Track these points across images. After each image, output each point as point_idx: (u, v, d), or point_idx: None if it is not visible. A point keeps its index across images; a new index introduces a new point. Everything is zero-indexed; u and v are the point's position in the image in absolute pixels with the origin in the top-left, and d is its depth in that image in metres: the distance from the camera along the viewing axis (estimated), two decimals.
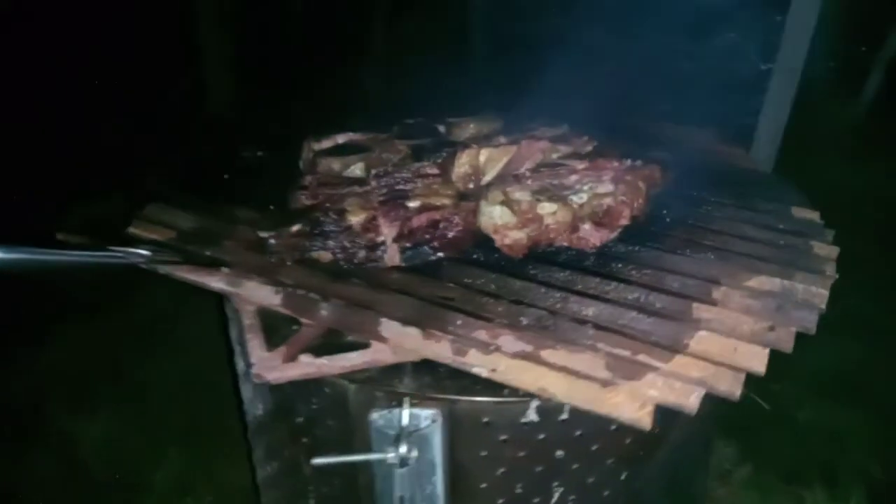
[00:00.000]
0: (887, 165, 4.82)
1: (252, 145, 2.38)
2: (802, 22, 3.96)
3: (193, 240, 1.87)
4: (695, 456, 2.20)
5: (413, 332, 1.45)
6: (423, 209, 1.72)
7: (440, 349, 1.41)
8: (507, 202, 1.68)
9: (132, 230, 1.93)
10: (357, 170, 1.99)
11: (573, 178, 1.84)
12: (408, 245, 1.67)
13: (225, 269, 1.70)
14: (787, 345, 1.38)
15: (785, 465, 3.02)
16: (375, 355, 1.45)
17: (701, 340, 1.39)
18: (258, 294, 1.62)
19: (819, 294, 1.53)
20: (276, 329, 1.57)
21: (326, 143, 2.08)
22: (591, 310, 1.50)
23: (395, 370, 1.46)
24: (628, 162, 1.89)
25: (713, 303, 1.51)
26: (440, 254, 1.69)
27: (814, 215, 1.88)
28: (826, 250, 1.72)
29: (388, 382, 1.48)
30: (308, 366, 1.44)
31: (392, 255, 1.66)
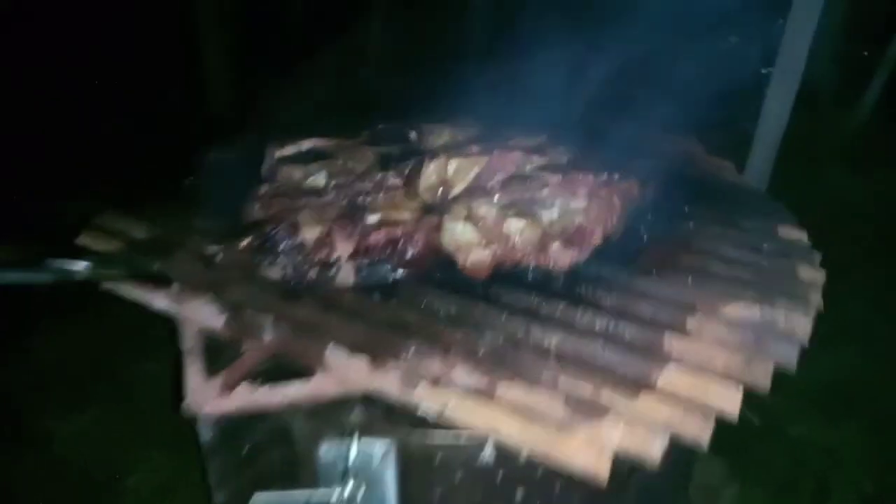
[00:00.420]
0: (889, 174, 4.70)
1: (224, 146, 2.27)
2: (803, 25, 3.85)
3: (143, 251, 1.77)
4: (675, 480, 2.09)
5: (360, 361, 1.35)
6: (382, 224, 1.61)
7: (387, 382, 1.30)
8: (471, 218, 1.58)
9: (81, 240, 1.83)
10: (320, 179, 1.88)
11: (545, 192, 1.73)
12: (364, 263, 1.56)
13: (172, 286, 1.60)
14: (763, 382, 1.28)
15: (776, 481, 2.91)
16: (318, 387, 1.35)
17: (670, 377, 1.29)
18: (200, 314, 1.52)
19: (801, 325, 1.42)
20: (222, 351, 1.47)
21: (290, 149, 1.97)
22: (554, 339, 1.39)
23: (344, 399, 1.35)
24: (604, 176, 1.78)
25: (686, 333, 1.40)
26: (399, 273, 1.58)
27: (801, 235, 1.77)
28: (812, 274, 1.61)
29: (336, 413, 1.39)
30: (245, 398, 1.34)
31: (346, 274, 1.55)
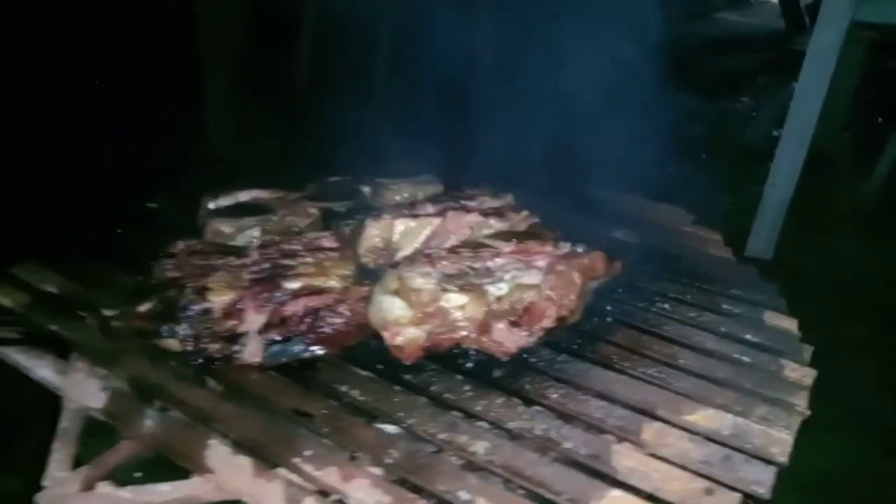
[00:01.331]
0: None
1: (165, 194, 2.10)
2: (813, 87, 3.69)
3: (48, 309, 1.57)
4: None
5: (244, 463, 1.12)
6: (302, 292, 1.41)
7: (269, 493, 1.07)
8: (403, 291, 1.36)
9: None
10: (253, 235, 1.69)
11: (499, 261, 1.52)
12: (276, 338, 1.35)
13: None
14: None
15: None
16: (192, 491, 1.13)
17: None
18: (81, 391, 1.31)
19: (781, 441, 1.18)
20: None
21: (225, 201, 1.79)
22: (482, 445, 1.17)
23: None
24: (566, 247, 1.57)
25: (640, 445, 1.17)
26: (316, 351, 1.37)
27: (791, 324, 1.54)
28: (800, 373, 1.38)
29: None
30: (104, 500, 1.12)
31: (253, 350, 1.34)
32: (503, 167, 2.15)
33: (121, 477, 1.25)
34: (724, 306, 1.60)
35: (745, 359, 1.42)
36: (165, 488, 1.12)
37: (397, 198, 1.93)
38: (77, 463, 1.23)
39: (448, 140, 2.20)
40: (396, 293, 1.36)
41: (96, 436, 1.30)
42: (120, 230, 1.93)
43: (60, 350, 1.46)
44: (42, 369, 1.38)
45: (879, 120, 5.07)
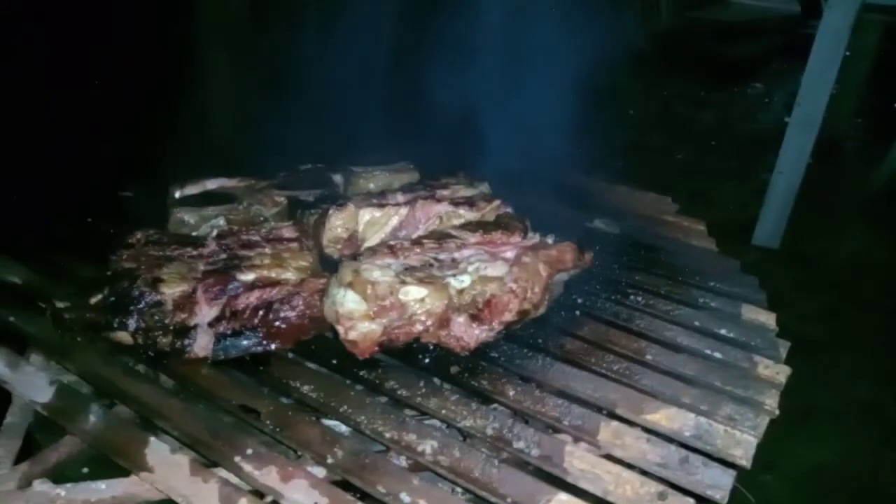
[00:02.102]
0: None
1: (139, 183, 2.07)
2: (822, 73, 3.58)
3: (5, 301, 1.55)
4: None
5: (182, 462, 1.09)
6: (256, 284, 1.37)
7: (205, 494, 1.04)
8: (358, 283, 1.32)
9: None
10: (217, 225, 1.65)
11: (465, 253, 1.47)
12: (226, 332, 1.31)
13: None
14: None
15: None
16: (129, 488, 1.10)
17: None
18: (29, 385, 1.28)
19: (744, 443, 1.12)
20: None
21: (191, 189, 1.75)
22: (430, 444, 1.12)
23: None
24: (535, 237, 1.52)
25: (595, 446, 1.12)
26: (269, 345, 1.33)
27: (769, 318, 1.47)
28: (773, 370, 1.31)
29: None
30: (40, 498, 1.09)
31: (203, 344, 1.30)
32: (487, 154, 2.10)
33: (68, 472, 1.23)
34: (701, 300, 1.54)
35: (717, 355, 1.36)
36: (102, 486, 1.09)
37: (371, 186, 1.89)
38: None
39: (433, 127, 2.14)
40: (350, 286, 1.31)
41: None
42: (90, 219, 1.91)
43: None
44: None
45: (894, 106, 4.93)
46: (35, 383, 1.28)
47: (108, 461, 1.15)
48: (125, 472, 1.13)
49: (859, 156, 5.01)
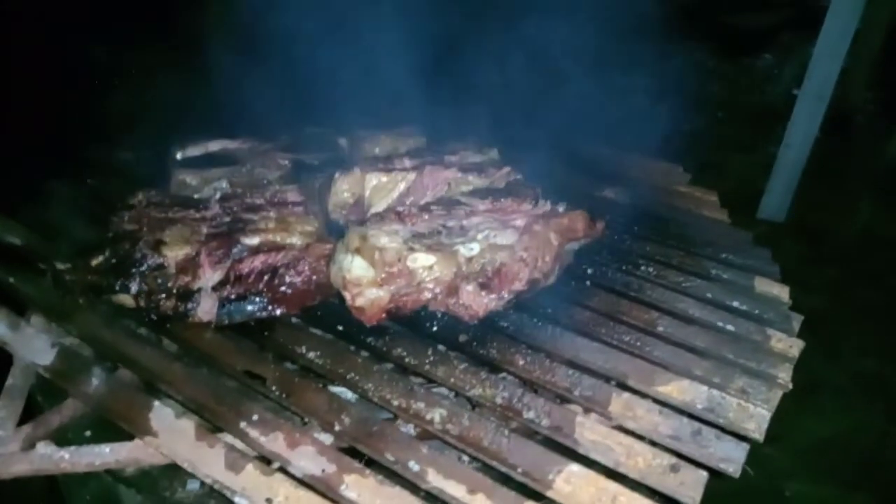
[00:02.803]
0: None
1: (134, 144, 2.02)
2: (834, 44, 3.51)
3: (4, 261, 1.52)
4: None
5: (186, 427, 1.07)
6: (261, 249, 1.34)
7: (210, 459, 1.02)
8: (366, 249, 1.29)
9: None
10: (220, 188, 1.61)
11: (474, 220, 1.44)
12: (231, 296, 1.29)
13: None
14: (692, 496, 0.97)
15: None
16: (132, 453, 1.08)
17: (570, 478, 0.99)
18: (30, 348, 1.26)
19: (758, 416, 1.10)
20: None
21: (193, 151, 1.71)
22: (439, 412, 1.10)
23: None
24: (546, 205, 1.48)
25: (606, 417, 1.10)
26: (274, 310, 1.30)
27: (782, 291, 1.45)
28: (786, 344, 1.29)
29: (168, 481, 1.12)
30: (43, 460, 1.07)
31: (207, 308, 1.27)
32: (497, 120, 2.05)
33: (71, 436, 1.22)
34: (713, 271, 1.51)
35: (729, 327, 1.33)
36: (106, 450, 1.08)
37: (376, 150, 1.84)
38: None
39: (439, 92, 2.09)
40: (357, 251, 1.28)
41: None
42: (90, 180, 1.87)
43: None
44: None
45: None
46: (36, 345, 1.26)
47: (112, 425, 1.14)
48: (128, 437, 1.11)
49: (871, 130, 4.94)
